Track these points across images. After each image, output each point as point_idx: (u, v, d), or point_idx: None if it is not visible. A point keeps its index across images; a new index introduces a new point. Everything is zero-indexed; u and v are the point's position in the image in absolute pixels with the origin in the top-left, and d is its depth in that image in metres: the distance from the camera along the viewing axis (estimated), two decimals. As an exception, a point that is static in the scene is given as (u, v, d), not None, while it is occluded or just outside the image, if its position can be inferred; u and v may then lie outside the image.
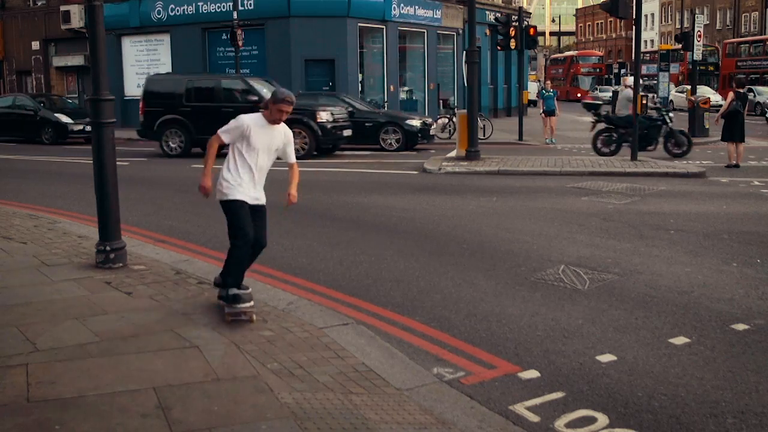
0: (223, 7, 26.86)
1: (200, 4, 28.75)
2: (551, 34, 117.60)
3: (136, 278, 6.90)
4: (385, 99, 28.56)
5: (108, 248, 7.20)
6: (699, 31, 30.61)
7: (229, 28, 25.21)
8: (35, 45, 34.50)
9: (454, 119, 22.08)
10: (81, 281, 6.79)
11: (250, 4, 26.92)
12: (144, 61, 30.82)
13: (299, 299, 6.39)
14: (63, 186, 14.46)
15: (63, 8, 32.08)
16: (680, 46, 35.10)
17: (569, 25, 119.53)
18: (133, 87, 30.59)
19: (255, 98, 17.63)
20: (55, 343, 5.15)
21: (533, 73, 62.45)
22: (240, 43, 25.03)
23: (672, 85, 45.13)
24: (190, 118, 19.49)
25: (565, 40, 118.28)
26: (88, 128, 22.30)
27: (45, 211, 10.80)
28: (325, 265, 7.91)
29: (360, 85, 28.47)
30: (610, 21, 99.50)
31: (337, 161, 19.01)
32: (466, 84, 19.75)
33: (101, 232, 7.28)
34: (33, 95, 28.22)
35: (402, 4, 29.91)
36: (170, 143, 19.94)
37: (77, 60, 32.76)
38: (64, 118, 25.01)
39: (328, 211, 11.44)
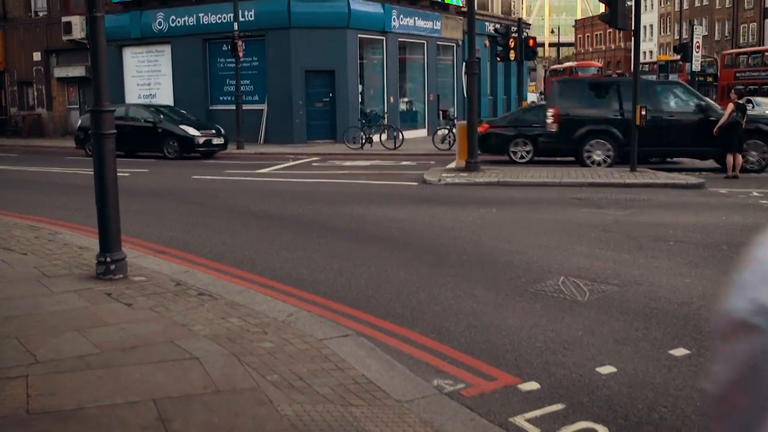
0: (224, 19, 26.92)
1: (201, 15, 28.81)
2: (550, 45, 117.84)
3: (137, 289, 6.89)
4: (385, 110, 28.60)
5: (108, 259, 7.20)
6: (698, 42, 30.78)
7: (229, 39, 25.27)
8: (37, 56, 34.57)
9: (454, 130, 22.08)
10: (81, 292, 6.78)
11: (251, 15, 26.97)
12: (145, 72, 30.89)
13: (299, 311, 6.38)
14: (63, 197, 14.48)
15: (64, 19, 32.16)
16: (679, 57, 35.28)
17: (568, 36, 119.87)
18: (134, 97, 30.67)
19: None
20: (55, 355, 5.14)
21: (533, 83, 62.59)
22: (241, 54, 25.09)
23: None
24: None
25: (565, 51, 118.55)
26: (216, 141, 22.39)
27: (45, 222, 10.80)
28: (325, 277, 7.90)
29: (360, 96, 28.52)
30: (609, 32, 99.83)
31: (330, 172, 19.03)
32: (465, 95, 19.76)
33: (102, 243, 7.27)
34: (146, 105, 26.06)
35: (402, 16, 29.99)
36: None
37: (78, 71, 32.84)
38: (192, 131, 22.96)
39: (328, 223, 11.45)
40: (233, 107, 25.63)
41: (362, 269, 8.28)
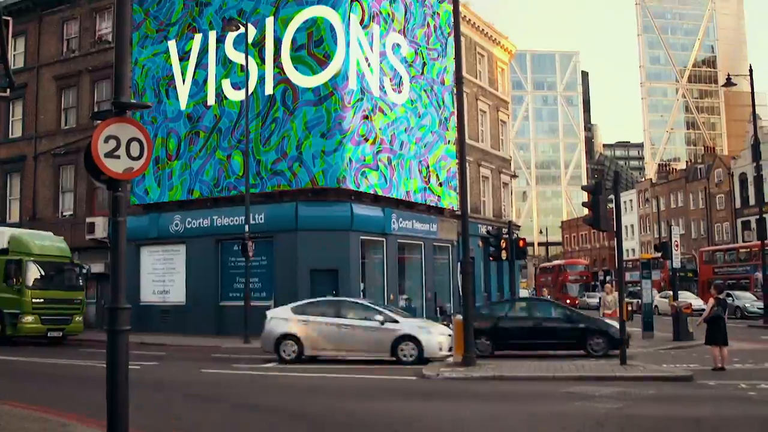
0: (236, 221, 27.50)
1: (215, 218, 29.45)
2: (539, 244, 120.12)
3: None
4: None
5: (115, 455, 6.98)
6: (676, 241, 31.30)
7: (240, 240, 25.70)
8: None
9: (451, 325, 22.00)
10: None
11: (261, 218, 27.56)
12: (160, 269, 31.16)
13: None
14: (72, 388, 14.19)
15: (89, 220, 32.89)
16: (660, 254, 35.73)
17: (556, 236, 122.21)
18: (149, 293, 30.83)
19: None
20: None
21: (524, 280, 63.11)
22: (251, 254, 25.44)
23: (655, 291, 45.44)
24: None
25: (553, 250, 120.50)
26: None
27: (55, 414, 10.52)
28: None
29: (362, 293, 28.63)
30: (594, 232, 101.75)
31: (333, 366, 18.77)
32: (461, 292, 19.87)
33: (110, 438, 7.08)
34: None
35: (401, 219, 30.69)
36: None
37: (98, 267, 33.10)
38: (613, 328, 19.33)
39: (328, 418, 11.15)
40: (242, 303, 25.68)
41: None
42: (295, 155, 27.53)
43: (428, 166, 32.99)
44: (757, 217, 44.15)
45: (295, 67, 27.96)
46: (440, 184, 33.98)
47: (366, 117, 28.34)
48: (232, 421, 10.84)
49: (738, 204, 70.56)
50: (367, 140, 28.33)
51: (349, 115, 27.53)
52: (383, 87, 29.77)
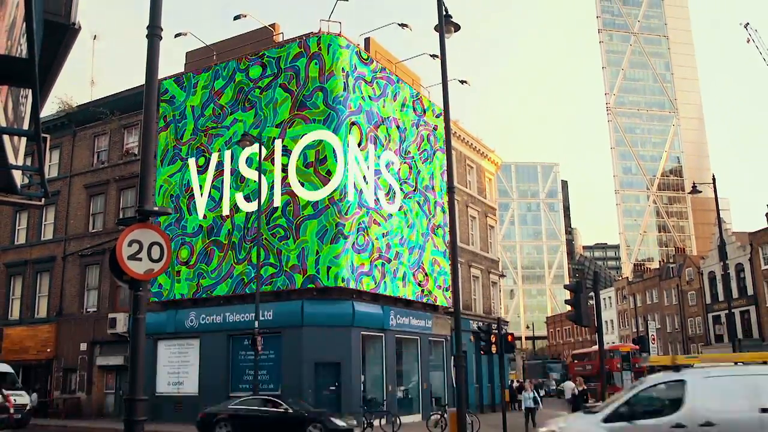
0: (246, 318, 27.29)
1: (227, 314, 29.24)
2: (527, 338, 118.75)
3: None
4: (384, 397, 28.12)
5: None
6: (653, 334, 31.03)
7: (250, 335, 25.43)
8: (83, 346, 34.56)
9: (445, 415, 21.53)
10: None
11: (270, 315, 27.37)
12: (175, 362, 30.68)
13: None
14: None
15: (111, 315, 32.63)
16: (638, 347, 35.42)
17: (542, 331, 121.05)
18: (164, 384, 30.25)
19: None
20: None
21: (513, 372, 62.06)
22: (259, 348, 25.10)
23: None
24: None
25: (539, 343, 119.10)
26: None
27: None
28: None
29: (362, 384, 28.13)
30: (576, 327, 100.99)
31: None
32: (454, 384, 19.52)
33: None
34: None
35: (398, 316, 30.47)
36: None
37: (117, 360, 32.69)
38: None
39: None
40: (251, 394, 25.13)
41: None
42: (311, 258, 27.57)
43: (425, 272, 33.03)
44: (727, 312, 44.07)
45: (300, 182, 28.40)
46: (438, 287, 33.95)
47: (363, 228, 28.56)
48: None
49: (708, 300, 70.14)
50: (364, 250, 28.44)
51: (348, 224, 27.78)
52: (378, 200, 30.10)
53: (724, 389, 11.19)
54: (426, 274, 33.22)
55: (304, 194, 28.17)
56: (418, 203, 33.39)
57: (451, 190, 19.28)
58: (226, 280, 29.46)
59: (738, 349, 41.65)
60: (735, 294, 60.39)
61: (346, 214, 27.74)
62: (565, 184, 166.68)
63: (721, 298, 64.46)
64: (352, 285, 27.46)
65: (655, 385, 12.12)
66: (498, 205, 56.42)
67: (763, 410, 9.73)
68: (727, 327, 53.26)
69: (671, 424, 10.78)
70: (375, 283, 28.89)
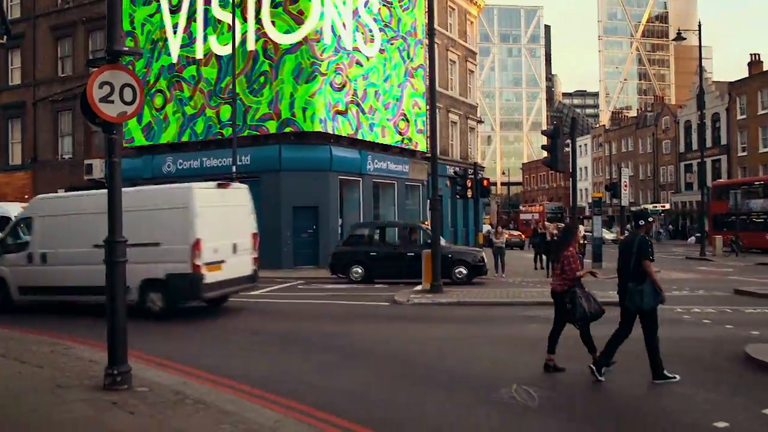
0: (224, 162, 27.30)
1: (204, 159, 29.27)
2: (502, 184, 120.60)
3: (139, 399, 6.74)
4: (362, 239, 28.81)
5: (115, 372, 7.09)
6: (625, 181, 31.56)
7: (228, 179, 25.58)
8: (61, 192, 34.61)
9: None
10: (90, 402, 6.63)
11: (247, 159, 27.43)
12: (154, 207, 30.93)
13: (285, 418, 6.25)
14: (83, 319, 14.28)
15: (87, 161, 32.53)
16: (610, 193, 36.18)
17: (517, 177, 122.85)
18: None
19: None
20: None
21: (487, 216, 63.53)
22: (238, 193, 25.34)
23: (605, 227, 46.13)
24: None
25: (515, 189, 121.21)
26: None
27: (65, 339, 10.60)
28: (312, 388, 7.76)
29: (340, 228, 28.77)
30: (551, 173, 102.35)
31: (314, 294, 18.97)
32: (430, 227, 20.03)
33: (110, 357, 7.18)
34: None
35: (376, 160, 30.68)
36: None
37: (96, 206, 32.88)
38: None
39: (312, 339, 11.35)
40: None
41: (345, 380, 8.18)
42: (279, 100, 27.34)
43: (406, 118, 32.89)
44: (699, 161, 44.70)
45: (273, 22, 27.63)
46: (419, 131, 33.91)
47: (340, 69, 28.07)
48: (223, 343, 11.02)
49: (682, 149, 71.11)
50: (341, 89, 28.12)
51: (324, 65, 27.31)
52: (356, 41, 29.39)
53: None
54: (407, 119, 33.12)
55: (279, 38, 27.44)
56: (399, 50, 32.65)
57: (431, 33, 18.91)
58: (197, 122, 29.24)
59: (704, 195, 42.74)
60: (709, 143, 61.17)
61: (322, 54, 27.26)
62: (548, 29, 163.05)
63: (694, 147, 65.31)
64: (329, 128, 27.42)
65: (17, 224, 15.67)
66: (479, 50, 55.38)
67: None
68: (698, 175, 54.27)
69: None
70: (353, 129, 28.83)
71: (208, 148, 29.31)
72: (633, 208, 67.83)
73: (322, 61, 27.26)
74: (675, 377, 7.82)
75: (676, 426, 6.21)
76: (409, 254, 20.72)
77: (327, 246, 27.18)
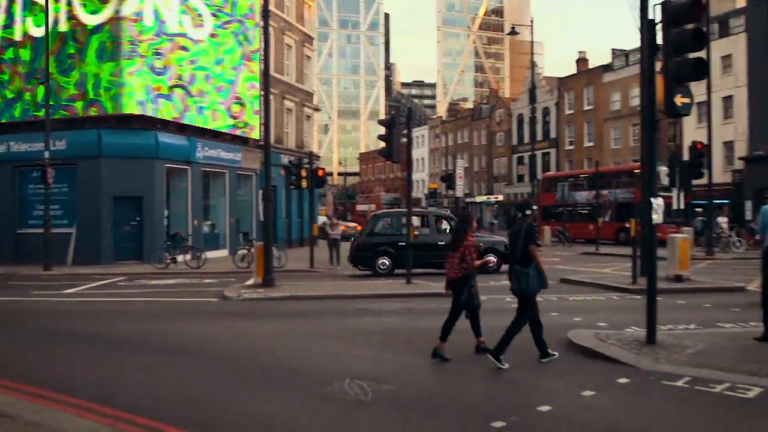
0: (36, 148, 25.64)
1: (11, 143, 27.42)
2: (339, 174, 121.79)
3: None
4: (189, 232, 28.13)
5: None
6: (460, 173, 33.01)
7: (40, 166, 24.13)
8: None
9: (252, 250, 22.07)
10: None
11: (62, 144, 25.96)
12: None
13: (101, 427, 6.00)
14: None
15: None
16: (445, 184, 37.71)
17: (354, 167, 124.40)
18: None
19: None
20: None
21: (323, 207, 63.93)
22: (50, 181, 23.97)
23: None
24: None
25: (351, 180, 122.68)
26: None
27: None
28: (129, 391, 7.49)
29: (166, 219, 27.91)
30: (388, 163, 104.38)
31: (137, 291, 18.33)
32: (262, 218, 19.91)
33: None
34: None
35: (206, 148, 30.01)
36: None
37: None
38: None
39: (133, 339, 10.93)
40: (42, 230, 24.19)
41: (164, 382, 7.97)
42: (90, 82, 26.25)
43: (241, 102, 32.38)
44: (530, 153, 47.57)
45: (83, 5, 26.79)
46: (256, 112, 33.37)
47: (162, 52, 27.26)
48: (32, 348, 10.39)
49: (515, 141, 75.14)
50: (162, 73, 27.29)
51: (144, 46, 26.51)
52: (182, 23, 28.56)
53: None
54: (242, 103, 32.60)
55: (87, 18, 26.81)
56: (234, 34, 32.03)
57: (266, 14, 18.77)
58: (17, 107, 27.53)
59: (534, 187, 45.49)
60: (539, 137, 65.14)
61: (141, 35, 26.47)
62: (387, 17, 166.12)
63: (526, 140, 69.23)
64: (149, 110, 26.60)
65: None
66: (317, 35, 55.52)
67: None
68: (529, 167, 57.70)
69: None
70: (177, 112, 28.01)
71: (17, 131, 27.49)
72: (494, 198, 70.60)
73: (141, 42, 26.53)
74: (555, 354, 8.82)
75: (502, 409, 6.60)
76: (440, 243, 20.37)
77: (152, 238, 26.36)
